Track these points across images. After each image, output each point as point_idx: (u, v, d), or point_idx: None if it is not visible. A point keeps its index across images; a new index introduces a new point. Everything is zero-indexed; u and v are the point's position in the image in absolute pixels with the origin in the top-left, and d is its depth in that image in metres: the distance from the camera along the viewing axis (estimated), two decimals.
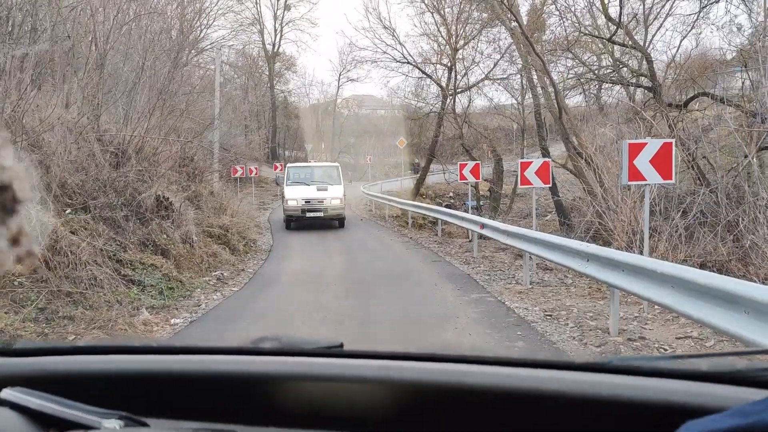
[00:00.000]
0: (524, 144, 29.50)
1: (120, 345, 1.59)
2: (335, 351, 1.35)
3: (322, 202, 18.23)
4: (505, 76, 29.03)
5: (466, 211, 20.99)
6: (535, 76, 24.38)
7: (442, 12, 28.28)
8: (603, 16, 20.58)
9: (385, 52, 29.95)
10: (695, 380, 1.12)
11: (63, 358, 1.39)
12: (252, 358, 1.36)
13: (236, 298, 8.53)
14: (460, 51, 28.31)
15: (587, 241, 14.99)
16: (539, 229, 17.43)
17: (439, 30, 28.76)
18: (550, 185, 11.47)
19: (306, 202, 18.14)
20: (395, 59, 30.03)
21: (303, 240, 16.35)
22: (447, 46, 28.73)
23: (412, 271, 10.65)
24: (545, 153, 22.08)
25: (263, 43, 50.73)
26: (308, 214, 18.09)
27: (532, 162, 10.83)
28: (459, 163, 15.64)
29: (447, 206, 29.41)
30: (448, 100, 28.70)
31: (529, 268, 9.74)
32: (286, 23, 50.40)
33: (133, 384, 1.31)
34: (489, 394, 1.16)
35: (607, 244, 13.50)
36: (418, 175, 33.40)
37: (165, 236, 9.62)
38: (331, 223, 18.74)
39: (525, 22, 20.93)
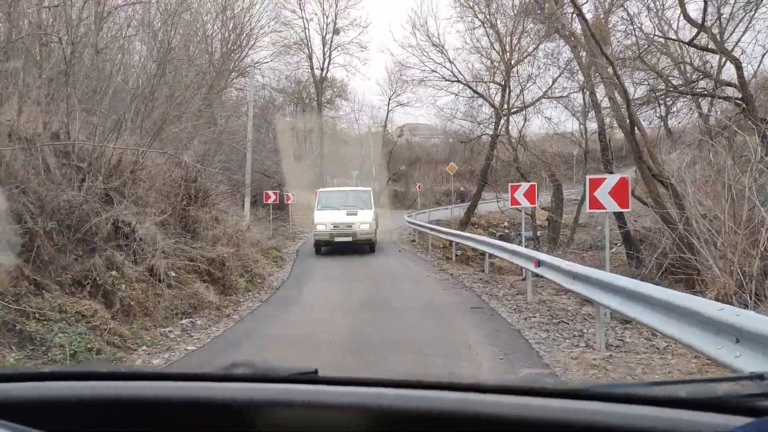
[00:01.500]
0: (587, 167, 26.36)
1: (90, 371, 1.48)
2: (310, 377, 1.32)
3: (351, 226, 17.77)
4: (564, 95, 26.12)
5: (520, 243, 18.30)
6: (599, 92, 21.62)
7: (495, 26, 25.86)
8: (673, 29, 17.84)
9: (433, 71, 27.78)
10: (674, 407, 1.11)
11: (33, 385, 1.34)
12: (225, 384, 1.31)
13: (185, 363, 6.05)
14: (515, 68, 25.81)
15: (657, 281, 12.11)
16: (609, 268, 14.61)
17: (492, 45, 26.33)
18: (628, 209, 8.66)
19: (334, 227, 17.83)
20: (444, 78, 27.79)
21: (324, 275, 13.93)
22: (501, 63, 26.29)
23: (443, 325, 7.96)
24: None
25: (311, 68, 49.28)
26: (337, 239, 17.76)
27: (605, 179, 8.09)
28: (510, 184, 12.95)
29: (500, 237, 26.61)
30: (502, 121, 26.11)
31: (604, 323, 6.98)
32: (335, 48, 48.84)
33: (103, 410, 1.27)
34: (465, 421, 1.15)
35: (693, 287, 10.76)
36: (466, 203, 30.92)
37: (114, 273, 7.31)
38: (363, 250, 17.95)
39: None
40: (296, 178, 42.19)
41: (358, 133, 57.89)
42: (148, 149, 9.63)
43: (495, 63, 26.94)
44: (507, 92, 26.05)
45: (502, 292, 10.88)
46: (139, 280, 7.72)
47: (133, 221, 8.23)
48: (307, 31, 47.59)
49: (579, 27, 19.77)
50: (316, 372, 1.32)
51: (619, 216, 19.39)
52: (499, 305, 9.47)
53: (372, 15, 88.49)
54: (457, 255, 16.87)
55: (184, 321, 7.87)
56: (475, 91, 27.61)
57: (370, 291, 11.04)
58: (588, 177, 8.23)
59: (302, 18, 46.88)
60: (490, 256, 13.34)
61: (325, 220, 18.05)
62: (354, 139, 57.14)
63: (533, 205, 13.35)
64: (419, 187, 44.87)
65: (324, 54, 48.95)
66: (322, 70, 49.51)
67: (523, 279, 12.02)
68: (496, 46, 26.26)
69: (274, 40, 39.27)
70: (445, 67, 27.21)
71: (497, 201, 26.21)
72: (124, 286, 7.28)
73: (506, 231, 31.88)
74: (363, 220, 17.94)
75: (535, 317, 8.44)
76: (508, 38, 25.51)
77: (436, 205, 42.43)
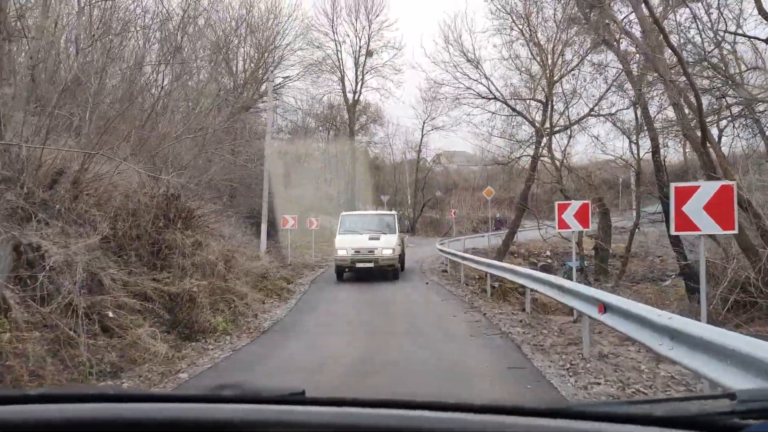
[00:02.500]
0: (639, 190, 23.54)
1: (75, 393, 1.46)
2: (297, 398, 1.30)
3: (373, 251, 16.68)
4: (613, 111, 23.40)
5: (566, 275, 15.63)
6: (652, 109, 19.02)
7: (536, 39, 23.57)
8: (728, 42, 15.31)
9: (468, 88, 25.54)
10: (650, 425, 1.12)
11: (20, 408, 1.30)
12: (212, 405, 1.28)
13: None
14: (558, 82, 23.47)
15: (726, 321, 9.83)
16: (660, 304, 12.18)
17: (533, 57, 24.03)
18: (734, 230, 6.15)
19: (356, 252, 16.78)
20: (480, 95, 25.44)
21: (329, 313, 11.65)
22: (542, 78, 23.97)
23: (463, 396, 5.57)
24: (665, 203, 16.42)
25: (344, 92, 47.62)
26: (358, 265, 16.75)
27: (698, 187, 5.65)
28: (557, 203, 10.53)
29: (542, 268, 23.89)
30: (544, 141, 23.66)
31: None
32: (368, 70, 47.15)
33: None
34: None
35: None
36: (503, 230, 28.41)
37: None
38: (385, 280, 16.54)
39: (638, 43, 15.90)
40: (325, 203, 40.38)
41: (392, 158, 56.00)
42: (93, 152, 7.55)
43: (535, 78, 24.64)
44: (549, 109, 23.69)
45: (548, 340, 8.37)
46: (39, 326, 5.55)
47: (45, 245, 6.09)
48: (339, 53, 46.10)
49: (633, 29, 17.46)
50: (303, 393, 1.30)
51: (675, 244, 16.75)
52: (546, 362, 6.98)
53: (404, 32, 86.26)
54: (493, 287, 14.35)
55: (102, 383, 5.65)
56: (514, 109, 25.29)
57: (380, 338, 8.71)
58: (674, 185, 5.79)
59: (334, 40, 45.57)
60: (532, 290, 10.85)
61: (347, 244, 17.04)
62: (387, 165, 55.22)
63: (586, 229, 10.84)
64: (454, 213, 42.34)
65: (356, 77, 47.41)
66: (354, 93, 47.89)
67: (575, 321, 9.53)
68: (537, 59, 23.98)
69: (301, 58, 37.74)
70: (481, 83, 25.00)
71: (539, 228, 23.60)
72: (8, 335, 5.11)
73: (548, 261, 29.14)
74: (386, 245, 16.80)
75: (598, 384, 5.96)
76: (551, 46, 23.20)
77: (473, 233, 40.07)
